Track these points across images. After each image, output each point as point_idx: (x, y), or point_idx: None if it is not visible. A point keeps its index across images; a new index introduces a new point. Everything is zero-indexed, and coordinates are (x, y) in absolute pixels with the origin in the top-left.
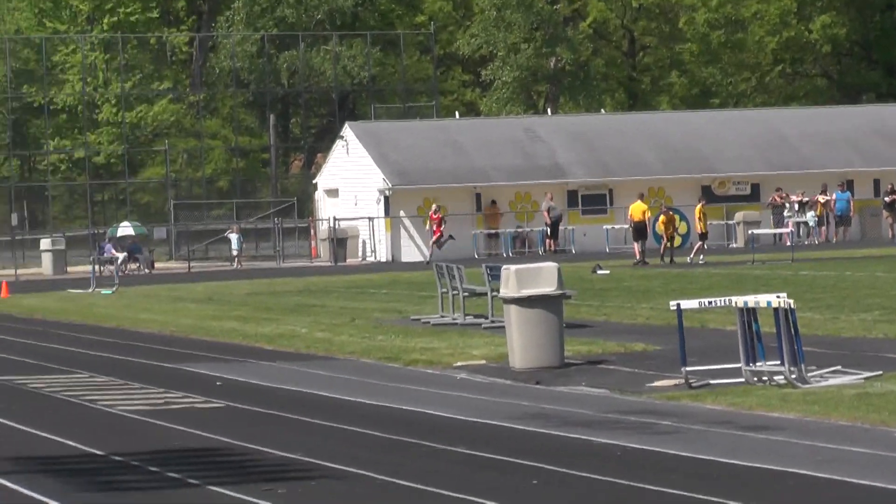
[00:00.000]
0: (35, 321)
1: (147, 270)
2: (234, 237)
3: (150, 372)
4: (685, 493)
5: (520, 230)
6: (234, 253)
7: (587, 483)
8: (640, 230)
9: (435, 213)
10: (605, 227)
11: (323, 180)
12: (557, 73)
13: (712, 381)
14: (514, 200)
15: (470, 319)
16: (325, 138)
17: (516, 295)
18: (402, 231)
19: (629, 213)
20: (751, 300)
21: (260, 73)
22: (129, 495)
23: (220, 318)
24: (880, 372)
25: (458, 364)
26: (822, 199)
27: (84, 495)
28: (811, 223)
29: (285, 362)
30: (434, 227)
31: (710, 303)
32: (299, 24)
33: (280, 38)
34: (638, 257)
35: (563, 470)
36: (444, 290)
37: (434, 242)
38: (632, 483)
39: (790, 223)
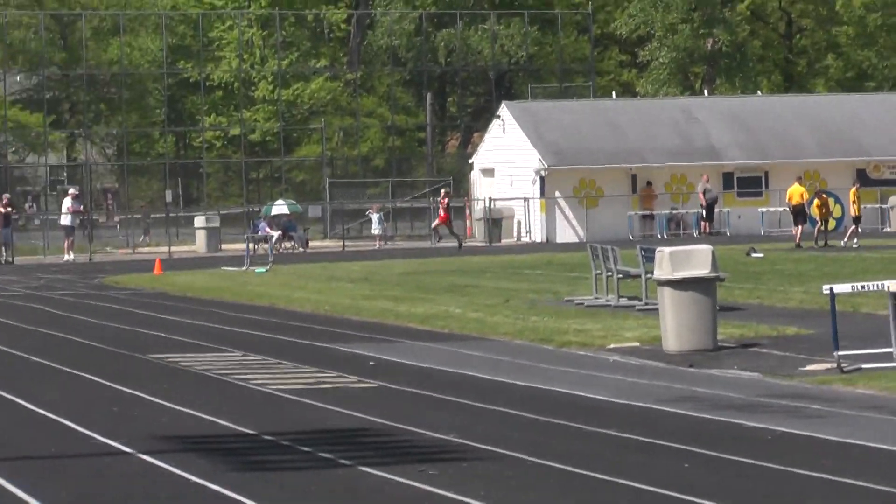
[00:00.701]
0: (188, 299)
1: (301, 249)
2: (374, 217)
3: (303, 351)
4: (835, 478)
5: (675, 212)
6: (376, 233)
7: (737, 466)
8: (798, 213)
9: (443, 197)
10: (760, 209)
11: (479, 160)
12: (714, 54)
13: (864, 366)
14: (669, 182)
15: (623, 301)
16: (482, 117)
17: (670, 277)
18: (558, 212)
19: (787, 195)
20: None
21: (417, 51)
22: (281, 475)
23: (373, 297)
24: None
25: (611, 346)
26: None
27: (235, 475)
28: None
29: (438, 343)
30: (441, 212)
31: (862, 287)
32: (457, 3)
33: (438, 16)
34: (798, 240)
35: (713, 453)
36: (599, 271)
37: (436, 227)
38: (781, 467)
39: None
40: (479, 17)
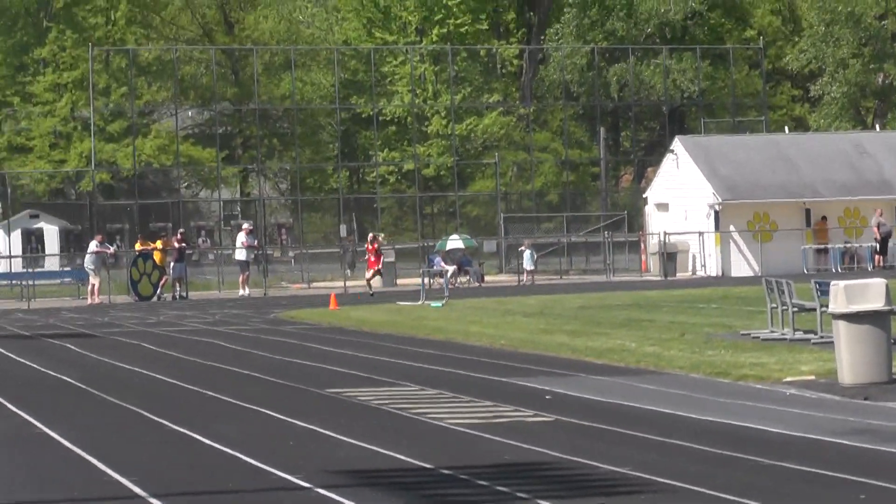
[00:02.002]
0: (364, 333)
1: (476, 283)
2: (526, 253)
3: (480, 385)
4: None
5: (848, 245)
6: (528, 268)
7: None
8: None
9: (370, 243)
10: None
11: (653, 194)
12: (885, 88)
13: None
14: (842, 216)
15: (799, 335)
16: (655, 152)
17: (845, 311)
18: (732, 245)
19: None
20: None
21: (590, 85)
22: None
23: (550, 331)
24: None
25: (787, 379)
26: None
27: None
28: None
29: (614, 376)
30: (370, 258)
31: None
32: (629, 38)
33: (610, 50)
34: None
35: (891, 485)
36: (774, 305)
37: (373, 275)
38: None
39: None
40: (651, 51)
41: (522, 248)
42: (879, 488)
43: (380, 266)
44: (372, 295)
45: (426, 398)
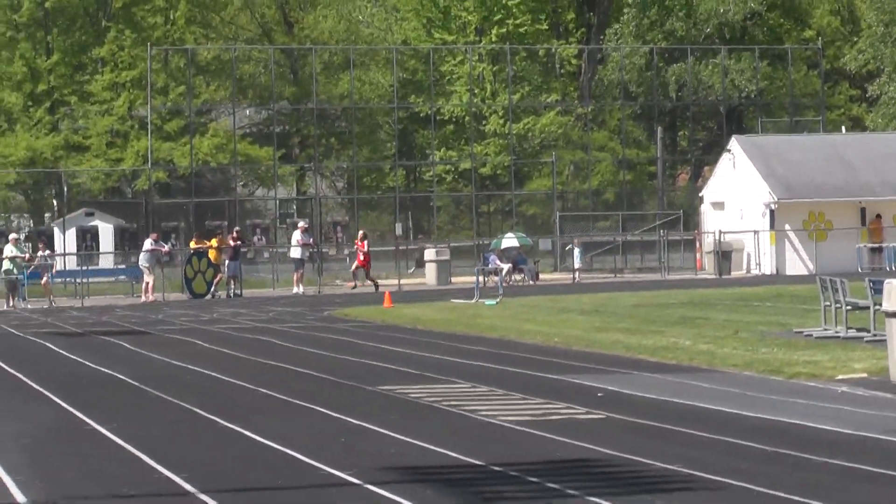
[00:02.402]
0: (418, 331)
1: (532, 282)
2: (576, 251)
3: (532, 382)
4: None
5: None
6: (577, 266)
7: None
8: None
9: (361, 240)
10: None
11: (709, 193)
12: None
13: None
14: None
15: (852, 333)
16: (712, 151)
17: None
18: (787, 244)
19: None
20: None
21: (648, 85)
22: None
23: (604, 329)
24: None
25: (840, 377)
26: None
27: None
28: None
29: (668, 374)
30: (360, 256)
31: None
32: (688, 38)
33: (669, 50)
34: None
35: None
36: (828, 303)
37: (355, 270)
38: None
39: None
40: (710, 51)
41: (570, 246)
42: None
43: (366, 266)
44: (354, 287)
45: (478, 395)
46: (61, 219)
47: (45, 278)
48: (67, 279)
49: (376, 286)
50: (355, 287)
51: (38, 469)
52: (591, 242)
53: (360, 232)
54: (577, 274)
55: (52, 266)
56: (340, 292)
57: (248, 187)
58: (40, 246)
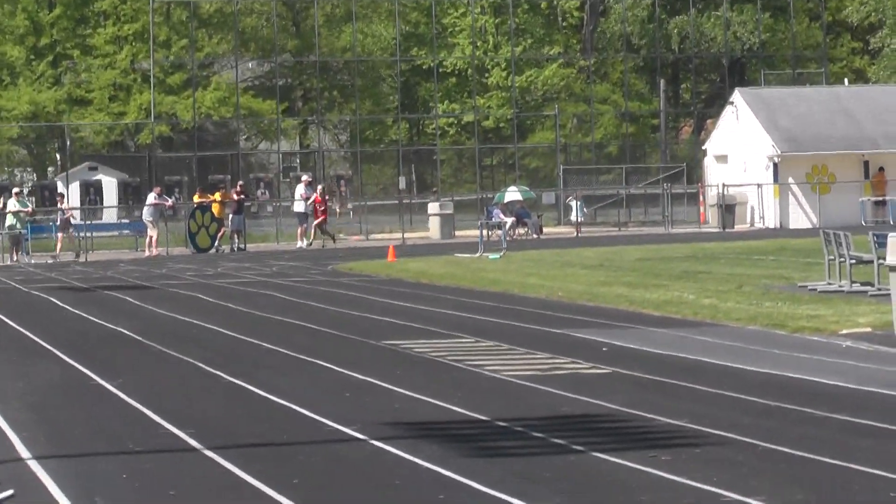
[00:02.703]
0: (422, 285)
1: (535, 235)
2: (574, 204)
3: (537, 337)
4: None
5: None
6: (575, 220)
7: None
8: None
9: (321, 195)
10: None
11: (712, 146)
12: None
13: None
14: None
15: (856, 287)
16: (715, 104)
17: None
18: (791, 197)
19: None
20: None
21: (650, 37)
22: (513, 461)
23: (608, 283)
24: None
25: (844, 332)
26: None
27: (467, 461)
28: None
29: (672, 328)
30: (318, 209)
31: None
32: None
33: (671, 2)
34: None
35: None
36: (832, 257)
37: (317, 225)
38: None
39: None
40: (712, 3)
41: (570, 199)
42: None
43: (324, 219)
44: (309, 245)
45: (483, 350)
46: (64, 173)
47: (70, 231)
48: (71, 233)
49: (333, 238)
50: (311, 245)
51: (43, 426)
52: (595, 196)
53: (319, 186)
54: (579, 227)
55: (69, 219)
56: (344, 246)
57: (252, 141)
58: (59, 199)
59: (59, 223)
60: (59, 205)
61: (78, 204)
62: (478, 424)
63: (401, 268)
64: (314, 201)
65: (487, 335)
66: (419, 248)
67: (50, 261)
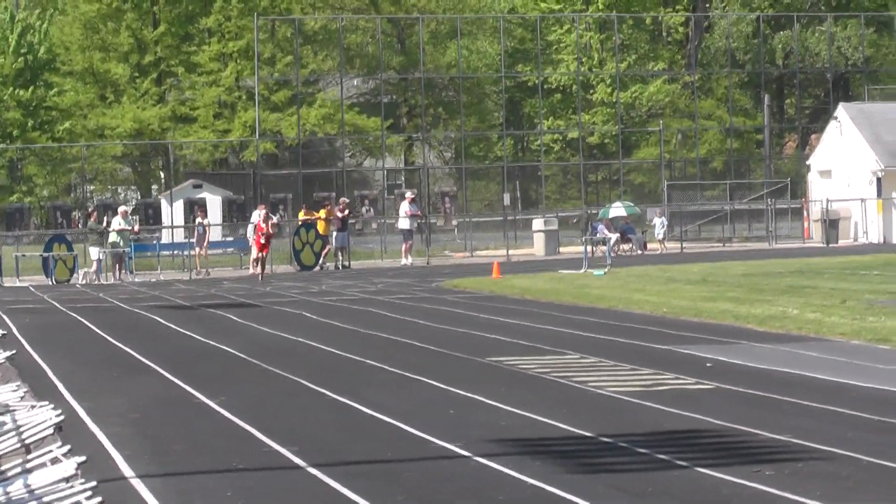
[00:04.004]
0: (526, 302)
1: (640, 251)
2: (657, 221)
3: (641, 353)
4: None
5: None
6: (659, 238)
7: None
8: None
9: (264, 220)
10: None
11: (816, 161)
12: None
13: None
14: None
15: None
16: (819, 119)
17: None
18: (895, 212)
19: None
20: None
21: (755, 53)
22: (617, 477)
23: (713, 299)
24: None
25: None
26: None
27: (571, 477)
28: None
29: (776, 343)
30: (258, 238)
31: None
32: (794, 5)
33: (775, 18)
34: None
35: None
36: None
37: (260, 258)
38: None
39: None
40: (816, 19)
41: (655, 217)
42: None
43: (265, 252)
44: (261, 279)
45: (587, 366)
46: (168, 191)
47: (203, 247)
48: (175, 252)
49: (262, 275)
50: (261, 277)
51: (145, 444)
52: (699, 211)
53: (262, 211)
54: (660, 245)
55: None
56: (449, 263)
57: (356, 158)
58: (199, 212)
59: (195, 238)
60: (198, 219)
61: (182, 222)
62: (582, 440)
63: (505, 284)
64: (256, 228)
65: (592, 351)
66: (523, 265)
67: (198, 276)
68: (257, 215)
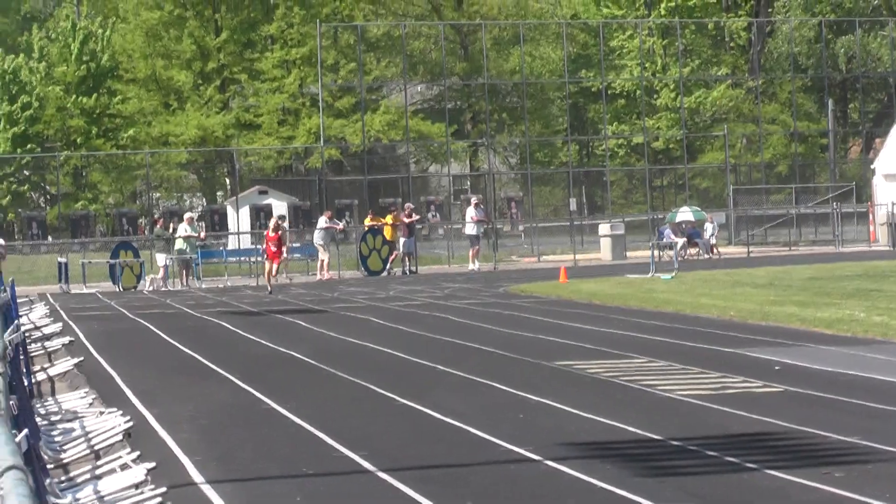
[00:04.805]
0: (593, 306)
1: (706, 255)
2: (709, 226)
3: (708, 356)
4: None
5: None
6: (712, 241)
7: None
8: None
9: (274, 230)
10: None
11: (881, 165)
12: None
13: None
14: None
15: None
16: (883, 123)
17: None
18: None
19: None
20: None
21: (817, 57)
22: (686, 480)
23: (779, 302)
24: None
25: None
26: None
27: (641, 480)
28: None
29: (843, 346)
30: (270, 247)
31: None
32: (856, 10)
33: (837, 23)
34: None
35: None
36: None
37: (277, 270)
38: None
39: None
40: (878, 23)
41: (708, 222)
42: None
43: (282, 259)
44: (270, 293)
45: (655, 370)
46: (234, 197)
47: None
48: (242, 258)
49: (269, 288)
50: (271, 292)
51: (214, 449)
52: (765, 216)
53: (273, 220)
54: (714, 251)
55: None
56: (516, 268)
57: (421, 164)
58: (280, 222)
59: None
60: (281, 223)
61: (248, 228)
62: (651, 444)
63: (572, 289)
64: (266, 238)
65: (659, 355)
66: (590, 270)
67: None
68: (323, 221)
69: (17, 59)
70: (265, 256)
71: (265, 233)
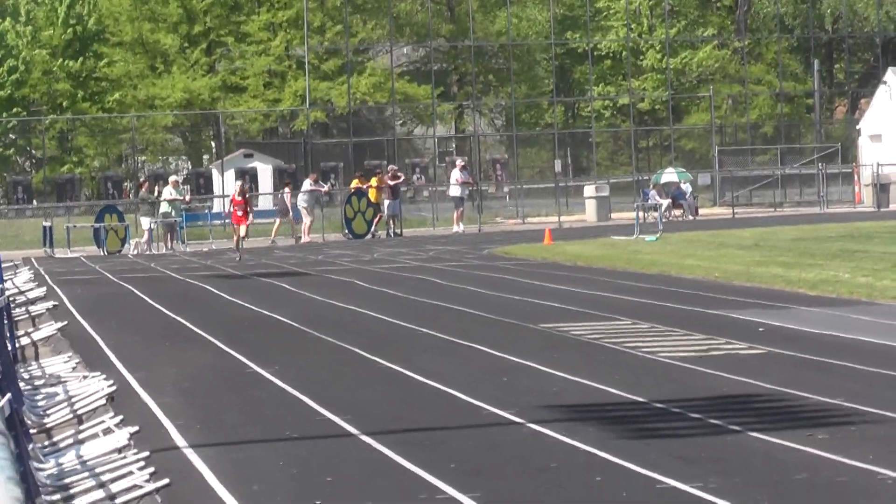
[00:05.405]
0: (578, 268)
1: (691, 217)
2: (685, 188)
3: (693, 318)
4: None
5: None
6: (685, 205)
7: None
8: None
9: (239, 194)
10: None
11: (866, 125)
12: None
13: None
14: None
15: None
16: (869, 83)
17: None
18: None
19: None
20: None
21: (804, 18)
22: (670, 442)
23: (764, 263)
24: None
25: None
26: None
27: (624, 443)
28: None
29: (827, 308)
30: (236, 211)
31: None
32: None
33: None
34: None
35: None
36: None
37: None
38: None
39: None
40: None
41: (682, 183)
42: None
43: (249, 222)
44: (238, 260)
45: (639, 332)
46: (219, 160)
47: (289, 216)
48: (226, 221)
49: (239, 255)
50: (240, 259)
51: (198, 413)
52: (750, 177)
53: (237, 183)
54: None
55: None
56: (501, 230)
57: (407, 126)
58: (288, 189)
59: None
60: (286, 190)
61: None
62: (635, 406)
63: (557, 251)
64: (231, 202)
65: (644, 317)
66: (575, 231)
67: (294, 242)
68: (308, 183)
69: (3, 22)
70: (230, 221)
71: (231, 197)
